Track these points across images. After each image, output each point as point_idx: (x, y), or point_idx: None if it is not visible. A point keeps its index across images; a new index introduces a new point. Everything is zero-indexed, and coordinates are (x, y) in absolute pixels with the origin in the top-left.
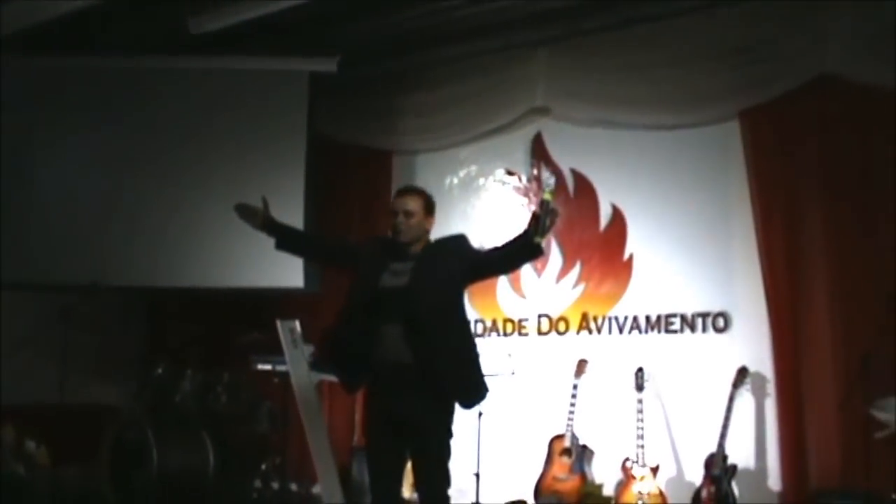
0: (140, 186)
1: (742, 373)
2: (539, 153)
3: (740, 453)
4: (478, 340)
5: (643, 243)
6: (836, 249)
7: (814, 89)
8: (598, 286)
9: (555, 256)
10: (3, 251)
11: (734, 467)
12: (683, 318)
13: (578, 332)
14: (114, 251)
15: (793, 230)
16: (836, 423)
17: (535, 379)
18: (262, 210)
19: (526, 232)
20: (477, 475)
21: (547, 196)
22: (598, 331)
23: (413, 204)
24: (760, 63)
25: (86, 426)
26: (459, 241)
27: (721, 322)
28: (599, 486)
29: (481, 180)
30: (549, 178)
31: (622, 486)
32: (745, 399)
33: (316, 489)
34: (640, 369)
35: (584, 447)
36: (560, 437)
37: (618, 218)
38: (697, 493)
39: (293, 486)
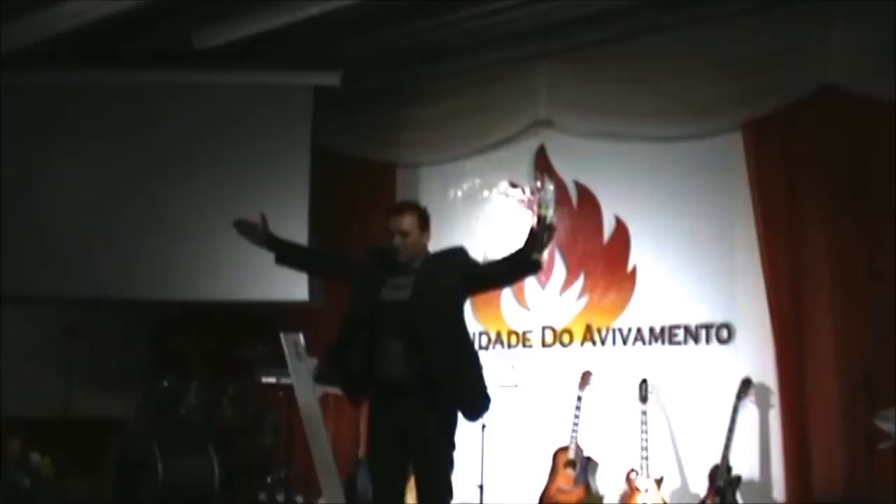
0: (144, 200)
1: (746, 384)
2: (542, 165)
3: (744, 464)
4: (482, 352)
5: (646, 255)
6: (839, 260)
7: (816, 101)
8: (602, 298)
9: (558, 268)
10: (7, 265)
11: (738, 478)
12: (687, 329)
13: (582, 344)
14: (118, 265)
15: (795, 241)
16: (839, 433)
17: (540, 391)
18: (261, 226)
19: (523, 248)
20: (481, 487)
21: (544, 212)
22: (602, 342)
23: (407, 223)
24: (763, 75)
25: (91, 439)
26: (458, 253)
27: (724, 333)
28: (603, 498)
29: (485, 193)
30: (546, 194)
31: (626, 497)
32: (749, 410)
33: (321, 502)
34: (644, 381)
35: (589, 459)
36: (564, 448)
37: (621, 229)
38: None
39: (298, 499)
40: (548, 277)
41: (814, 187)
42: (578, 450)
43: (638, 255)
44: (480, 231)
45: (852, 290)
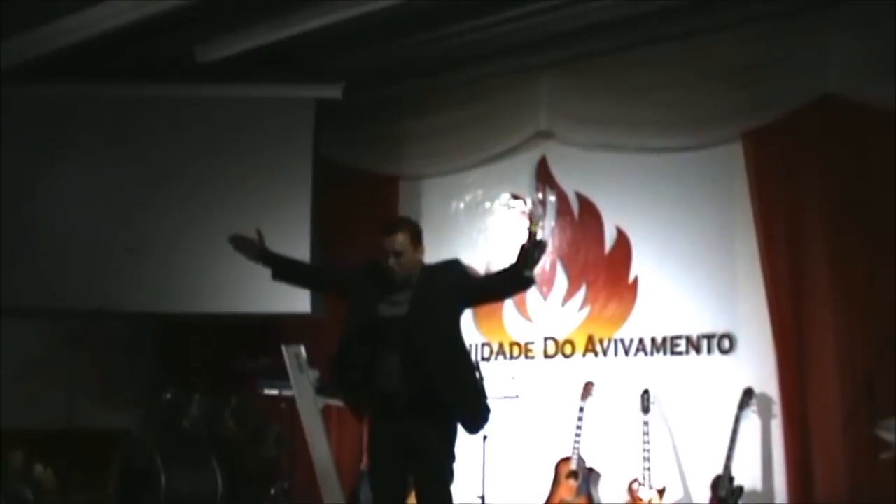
0: (147, 212)
1: (748, 394)
2: (543, 177)
3: (746, 474)
4: (484, 364)
5: (648, 265)
6: (840, 270)
7: (816, 110)
8: (604, 308)
9: (560, 279)
10: (10, 277)
11: (740, 489)
12: (689, 339)
13: (584, 355)
14: (121, 277)
15: (796, 251)
16: (841, 443)
17: (542, 401)
18: (257, 241)
19: (514, 264)
20: (482, 498)
21: (534, 228)
22: (604, 353)
23: (400, 242)
24: (763, 85)
25: (94, 451)
26: (454, 266)
27: (726, 343)
28: None
29: (487, 204)
30: (537, 211)
31: None
32: (751, 420)
33: None
34: (646, 391)
35: (591, 469)
36: (566, 459)
37: (622, 240)
38: None
39: None
40: (550, 288)
41: (814, 196)
42: (581, 461)
43: (639, 266)
44: (482, 243)
45: (853, 299)
